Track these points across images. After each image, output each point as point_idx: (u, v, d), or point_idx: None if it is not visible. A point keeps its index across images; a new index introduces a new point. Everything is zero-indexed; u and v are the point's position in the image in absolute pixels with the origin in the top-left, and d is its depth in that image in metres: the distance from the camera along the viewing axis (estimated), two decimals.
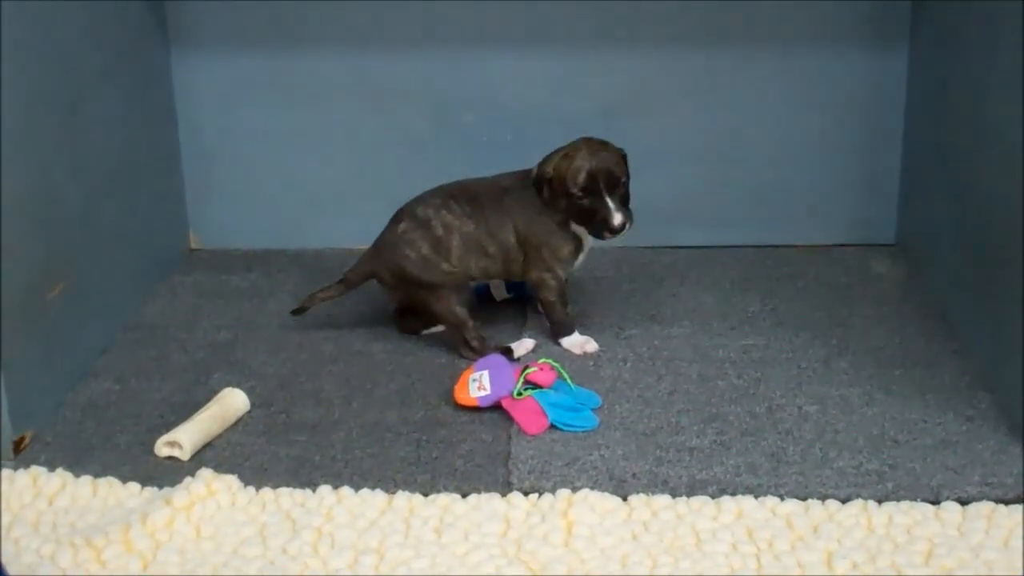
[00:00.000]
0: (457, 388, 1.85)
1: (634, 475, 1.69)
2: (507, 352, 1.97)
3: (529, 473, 1.70)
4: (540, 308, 2.06)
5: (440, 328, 2.06)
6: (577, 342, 2.02)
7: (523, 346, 2.01)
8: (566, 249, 1.99)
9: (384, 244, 2.01)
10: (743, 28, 2.29)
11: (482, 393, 1.83)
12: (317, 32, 2.31)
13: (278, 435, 1.80)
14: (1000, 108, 1.82)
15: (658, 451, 1.74)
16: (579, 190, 1.91)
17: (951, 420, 1.79)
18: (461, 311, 1.98)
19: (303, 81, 2.34)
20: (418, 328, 2.07)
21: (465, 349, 1.98)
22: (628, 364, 1.98)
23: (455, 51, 2.32)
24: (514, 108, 2.34)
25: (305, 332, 2.09)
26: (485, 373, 1.84)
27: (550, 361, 1.87)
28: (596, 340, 2.04)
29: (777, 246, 2.39)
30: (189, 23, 2.30)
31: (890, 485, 1.65)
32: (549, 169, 1.94)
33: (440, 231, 1.99)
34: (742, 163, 2.37)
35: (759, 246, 2.39)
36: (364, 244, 2.26)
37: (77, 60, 1.95)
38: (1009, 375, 1.78)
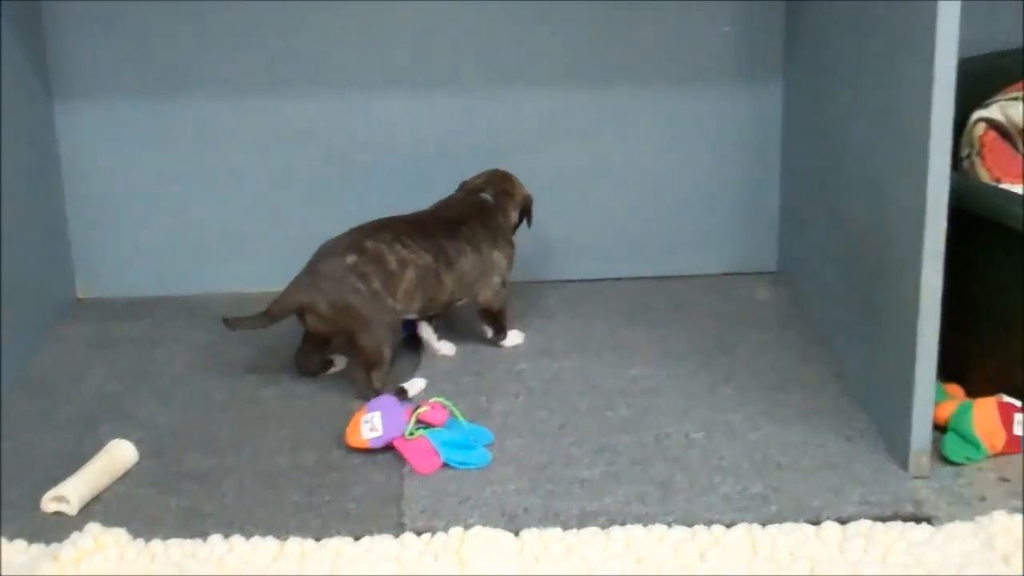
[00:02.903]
0: (349, 431, 1.86)
1: (526, 509, 1.71)
2: (400, 392, 1.98)
3: (422, 513, 1.71)
4: (484, 321, 2.15)
5: (337, 369, 2.08)
6: (517, 336, 2.16)
7: (415, 386, 2.02)
8: (511, 260, 2.14)
9: (325, 275, 1.98)
10: (628, 67, 2.34)
11: (374, 435, 1.84)
12: (202, 76, 2.31)
13: (168, 485, 1.79)
14: (866, 140, 1.88)
15: (549, 484, 1.77)
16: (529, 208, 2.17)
17: (831, 441, 1.84)
18: (387, 351, 1.99)
19: (189, 126, 2.34)
20: (318, 369, 2.08)
21: (368, 389, 1.98)
22: (520, 399, 2.00)
23: (345, 92, 2.34)
24: (407, 148, 2.36)
25: (195, 380, 2.08)
26: (377, 414, 1.85)
27: (442, 400, 1.89)
28: (487, 375, 2.07)
29: (664, 277, 2.43)
30: (71, 70, 2.29)
31: (774, 508, 1.69)
32: (527, 193, 2.18)
33: (394, 265, 1.99)
34: (629, 197, 2.41)
35: (647, 278, 2.43)
36: (254, 288, 2.28)
37: None
38: (885, 396, 1.83)
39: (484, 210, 2.14)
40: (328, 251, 2.01)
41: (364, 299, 1.97)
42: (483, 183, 2.17)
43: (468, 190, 2.17)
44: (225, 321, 2.02)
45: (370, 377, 1.98)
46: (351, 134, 2.35)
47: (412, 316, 2.08)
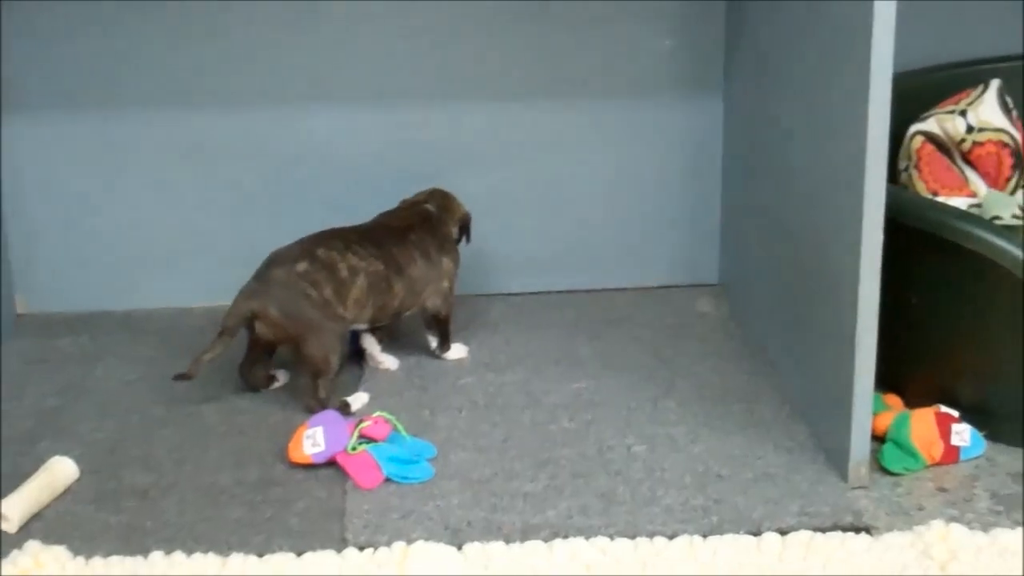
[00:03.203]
0: (291, 446, 1.85)
1: (469, 523, 1.71)
2: (344, 407, 1.98)
3: (364, 528, 1.70)
4: (430, 330, 2.16)
5: (280, 384, 2.07)
6: (460, 350, 2.16)
7: (358, 400, 2.02)
8: (458, 267, 2.17)
9: (277, 282, 1.97)
10: (568, 81, 2.35)
11: (316, 450, 1.84)
12: (141, 91, 2.29)
13: (108, 502, 1.77)
14: (804, 153, 1.90)
15: (492, 498, 1.77)
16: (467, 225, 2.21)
17: (771, 453, 1.86)
18: (335, 361, 1.99)
19: (128, 141, 2.32)
20: (261, 384, 2.07)
21: (313, 398, 1.97)
22: (463, 413, 2.00)
23: (283, 107, 2.33)
24: (345, 163, 2.35)
25: (135, 396, 2.07)
26: (319, 429, 1.85)
27: (384, 414, 1.89)
28: (431, 389, 2.07)
29: (606, 290, 2.44)
30: (8, 85, 2.27)
31: (715, 519, 1.70)
32: (465, 211, 2.20)
33: (345, 273, 2.00)
34: (571, 211, 2.42)
35: (589, 290, 2.44)
36: (194, 303, 2.27)
37: None
38: (824, 407, 1.85)
39: (429, 218, 2.16)
40: (279, 258, 2.01)
41: (315, 306, 1.97)
42: (425, 198, 2.19)
43: (410, 203, 2.19)
44: (182, 376, 1.97)
45: (316, 385, 1.97)
46: (289, 149, 2.34)
47: (361, 326, 2.08)
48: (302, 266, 1.98)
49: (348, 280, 2.00)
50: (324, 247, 2.02)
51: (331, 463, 1.84)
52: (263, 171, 2.35)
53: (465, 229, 2.20)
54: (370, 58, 2.31)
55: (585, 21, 2.31)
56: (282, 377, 2.08)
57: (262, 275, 1.99)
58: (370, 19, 2.28)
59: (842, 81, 1.72)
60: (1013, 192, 2.17)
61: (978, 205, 2.03)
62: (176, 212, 2.37)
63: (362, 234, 2.08)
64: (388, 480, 1.81)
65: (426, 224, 2.14)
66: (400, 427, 1.88)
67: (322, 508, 1.76)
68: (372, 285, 2.03)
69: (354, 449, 1.83)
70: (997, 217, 1.88)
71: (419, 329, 2.18)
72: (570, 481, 1.80)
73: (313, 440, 1.84)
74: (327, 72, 2.31)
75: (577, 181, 2.40)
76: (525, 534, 1.68)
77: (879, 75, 1.63)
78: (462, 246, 2.20)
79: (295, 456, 1.84)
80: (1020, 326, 1.80)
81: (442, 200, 2.20)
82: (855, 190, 1.68)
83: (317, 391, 1.97)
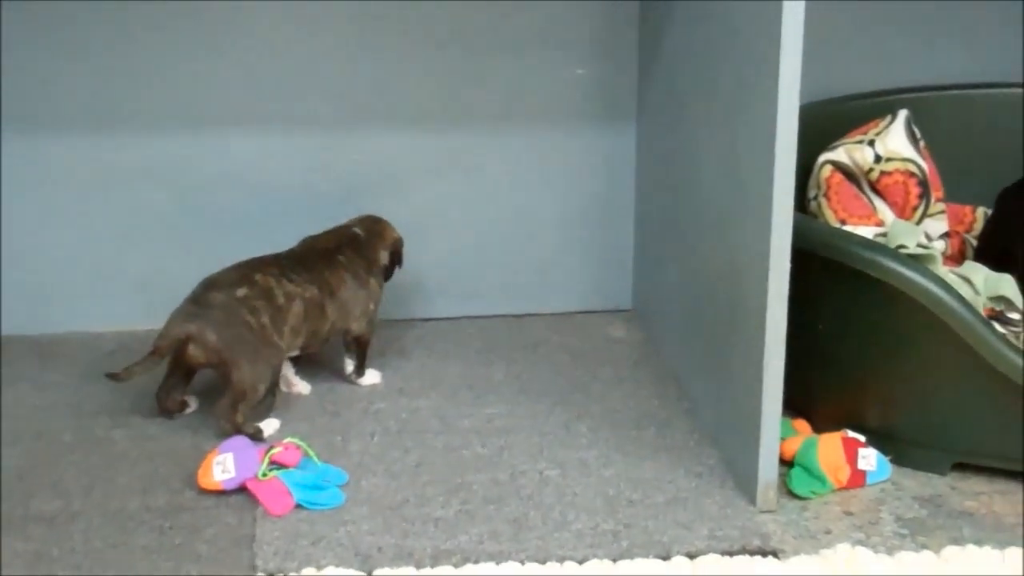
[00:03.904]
0: (201, 472, 1.84)
1: (380, 549, 1.71)
2: (256, 433, 1.97)
3: (274, 555, 1.69)
4: (350, 353, 2.16)
5: (191, 410, 2.06)
6: (374, 375, 2.17)
7: (270, 426, 2.00)
8: (381, 296, 2.17)
9: (216, 306, 1.96)
10: (483, 108, 2.36)
11: (227, 476, 1.82)
12: (49, 113, 2.26)
13: (15, 529, 1.75)
14: (714, 182, 1.93)
15: (404, 524, 1.77)
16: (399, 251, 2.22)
17: (682, 477, 1.88)
18: (263, 390, 1.98)
19: (38, 164, 2.29)
20: (176, 409, 2.05)
21: (229, 423, 1.95)
22: (376, 438, 2.00)
23: (198, 131, 2.31)
24: (261, 188, 2.34)
25: (44, 421, 2.04)
26: (229, 455, 1.83)
27: (295, 440, 1.88)
28: (343, 414, 2.07)
29: (521, 315, 2.45)
30: None
31: (625, 544, 1.71)
32: (397, 236, 2.21)
33: (282, 300, 1.99)
34: (485, 237, 2.43)
35: (503, 316, 2.45)
36: (105, 328, 2.24)
37: None
38: (734, 432, 1.87)
39: (356, 240, 2.16)
40: (217, 283, 2.00)
41: (253, 333, 1.96)
42: (355, 223, 2.20)
43: (338, 227, 2.19)
44: (112, 375, 1.96)
45: (236, 410, 1.96)
46: (204, 174, 2.32)
47: (294, 353, 2.07)
48: (242, 291, 1.98)
49: (285, 307, 2.00)
50: (261, 273, 2.01)
51: (241, 489, 1.82)
52: (177, 196, 2.33)
53: (397, 255, 2.21)
54: (286, 83, 2.30)
55: (500, 48, 2.32)
56: (193, 403, 2.07)
57: (199, 299, 1.98)
58: (286, 44, 2.28)
59: (751, 111, 1.75)
60: (919, 221, 2.22)
61: (884, 234, 2.06)
62: (88, 236, 2.33)
63: (294, 259, 2.09)
64: (299, 506, 1.80)
65: (354, 245, 2.15)
66: (311, 453, 1.87)
67: (232, 535, 1.74)
68: (307, 311, 2.03)
69: (265, 475, 1.82)
70: (902, 246, 1.91)
71: (333, 354, 2.17)
72: (482, 506, 1.81)
73: (223, 466, 1.82)
74: (244, 97, 2.30)
75: (491, 207, 2.41)
76: (436, 560, 1.68)
77: (786, 105, 1.66)
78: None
79: (205, 482, 1.83)
80: (924, 353, 1.84)
81: (373, 225, 2.20)
82: (763, 219, 1.71)
83: (235, 416, 1.96)
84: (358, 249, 2.16)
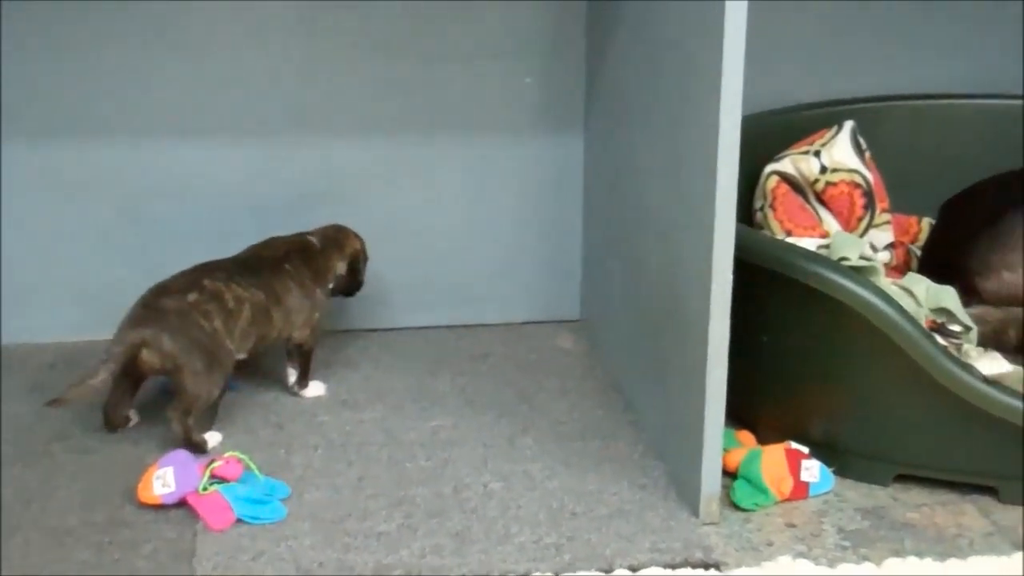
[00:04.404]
0: (141, 486, 1.82)
1: (320, 564, 1.69)
2: (199, 446, 1.95)
3: (214, 569, 1.68)
4: (294, 364, 2.14)
5: (133, 423, 2.03)
6: (318, 387, 2.16)
7: (212, 439, 1.98)
8: (327, 306, 2.16)
9: (171, 311, 1.94)
10: (430, 117, 2.35)
11: (167, 490, 1.80)
12: None
13: None
14: (659, 193, 1.93)
15: (346, 538, 1.75)
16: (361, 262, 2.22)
17: (625, 490, 1.87)
18: (215, 395, 1.98)
19: None
20: (121, 423, 2.03)
21: (180, 423, 1.93)
22: (319, 451, 1.98)
23: (144, 140, 2.29)
24: (208, 197, 2.32)
25: None
26: (169, 470, 1.82)
27: (237, 454, 1.86)
28: (287, 427, 2.05)
29: (469, 326, 2.44)
30: None
31: (567, 557, 1.71)
32: (358, 247, 2.21)
33: (232, 304, 1.99)
34: (433, 247, 2.42)
35: (451, 326, 2.44)
36: (46, 339, 2.21)
37: None
38: (677, 444, 1.87)
39: (307, 249, 2.16)
40: (168, 289, 1.99)
41: (207, 338, 1.95)
42: (315, 231, 2.20)
43: (295, 234, 2.19)
44: (56, 400, 1.92)
45: (186, 418, 1.94)
46: (149, 183, 2.30)
47: (241, 356, 2.05)
48: (193, 296, 1.97)
49: (235, 311, 2.00)
50: (209, 278, 2.01)
51: (182, 504, 1.80)
52: (122, 206, 2.31)
53: (355, 265, 2.21)
54: (235, 91, 2.28)
55: (449, 57, 2.31)
56: (135, 417, 2.04)
57: (152, 304, 1.96)
58: (235, 51, 2.26)
59: (694, 122, 1.75)
60: (864, 232, 2.23)
61: (828, 246, 2.06)
62: (30, 246, 2.30)
63: (240, 264, 2.08)
64: (239, 521, 1.78)
65: (302, 254, 2.14)
66: (253, 466, 1.85)
67: (171, 550, 1.72)
68: (255, 316, 2.03)
69: (205, 489, 1.81)
70: (845, 258, 1.92)
71: (277, 365, 2.15)
72: (425, 520, 1.80)
73: (163, 480, 1.81)
74: (191, 105, 2.28)
75: (439, 216, 2.40)
76: (378, 574, 1.67)
77: (728, 116, 1.66)
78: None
79: (145, 497, 1.81)
80: (866, 365, 1.84)
81: (335, 233, 2.21)
82: (706, 230, 1.71)
83: (185, 422, 1.94)
84: (307, 258, 2.14)
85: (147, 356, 1.94)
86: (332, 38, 2.28)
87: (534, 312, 2.47)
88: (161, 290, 1.99)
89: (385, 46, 2.29)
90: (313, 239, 2.18)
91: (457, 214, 2.41)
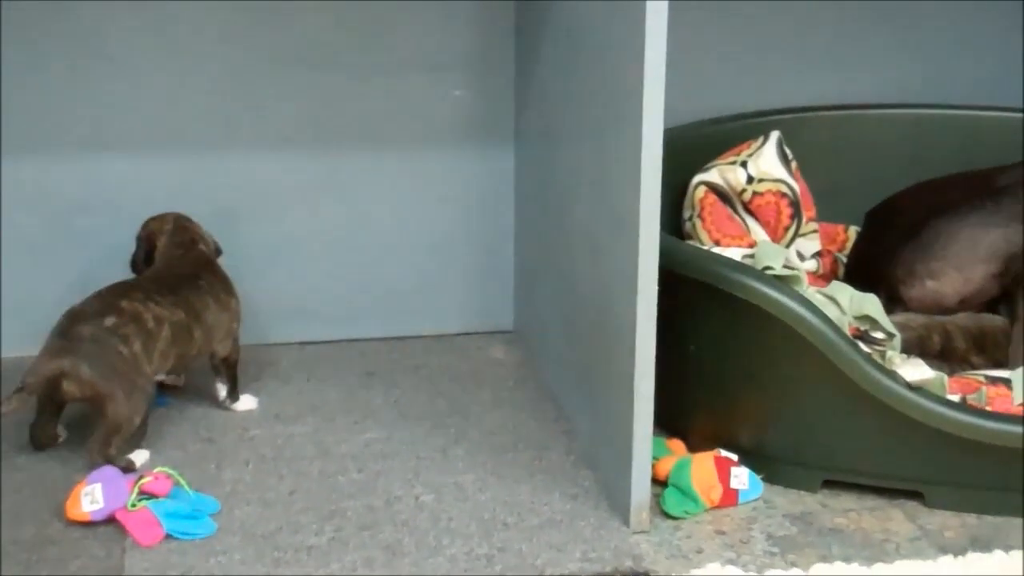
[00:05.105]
0: (69, 503, 1.80)
1: None
2: (128, 464, 1.93)
3: None
4: (222, 379, 2.13)
5: (63, 439, 2.01)
6: (250, 401, 2.14)
7: (140, 456, 1.97)
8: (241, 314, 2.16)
9: (87, 339, 1.90)
10: (360, 129, 2.35)
11: (95, 507, 1.79)
12: None
13: None
14: (586, 205, 1.94)
15: (276, 553, 1.75)
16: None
17: (557, 499, 1.88)
18: (138, 420, 1.94)
19: None
20: (50, 442, 2.00)
21: (100, 455, 1.90)
22: (250, 466, 1.98)
23: (66, 154, 2.26)
24: (132, 210, 2.29)
25: None
26: (98, 486, 1.80)
27: (166, 470, 1.85)
28: (217, 442, 2.04)
29: (402, 338, 2.44)
30: None
31: (498, 567, 1.71)
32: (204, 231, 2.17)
33: (152, 324, 1.95)
34: (364, 259, 2.41)
35: (384, 338, 2.43)
36: None
37: None
38: (608, 453, 1.88)
39: (210, 262, 2.14)
40: (82, 314, 1.94)
41: (126, 363, 1.92)
42: (170, 227, 2.15)
43: (177, 244, 2.14)
44: None
45: (110, 442, 1.91)
46: (72, 197, 2.27)
47: (160, 376, 2.03)
48: (110, 321, 1.93)
49: (155, 331, 1.96)
50: (127, 299, 1.97)
51: (110, 520, 1.79)
52: (45, 220, 2.28)
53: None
54: (156, 105, 2.26)
55: (377, 70, 2.31)
56: (63, 433, 2.02)
57: (67, 332, 1.92)
58: (155, 65, 2.24)
59: (618, 134, 1.76)
60: (791, 241, 2.25)
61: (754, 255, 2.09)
62: None
63: (156, 282, 2.05)
64: (169, 537, 1.77)
65: (209, 266, 2.12)
66: (183, 482, 1.84)
67: (100, 567, 1.71)
68: (175, 335, 2.00)
69: (134, 506, 1.79)
70: (769, 267, 1.94)
71: (207, 380, 2.14)
72: (356, 533, 1.79)
73: (92, 497, 1.79)
74: (112, 119, 2.26)
75: (371, 228, 2.40)
76: None
77: (651, 128, 1.67)
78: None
79: (73, 513, 1.79)
80: (793, 373, 1.86)
81: (182, 233, 2.15)
82: (631, 241, 1.72)
83: (108, 449, 1.91)
84: (213, 269, 2.12)
85: (67, 386, 1.91)
86: (256, 50, 2.27)
87: (467, 323, 2.47)
88: (75, 316, 1.94)
89: (311, 58, 2.29)
90: (203, 248, 2.15)
91: (391, 226, 2.41)
